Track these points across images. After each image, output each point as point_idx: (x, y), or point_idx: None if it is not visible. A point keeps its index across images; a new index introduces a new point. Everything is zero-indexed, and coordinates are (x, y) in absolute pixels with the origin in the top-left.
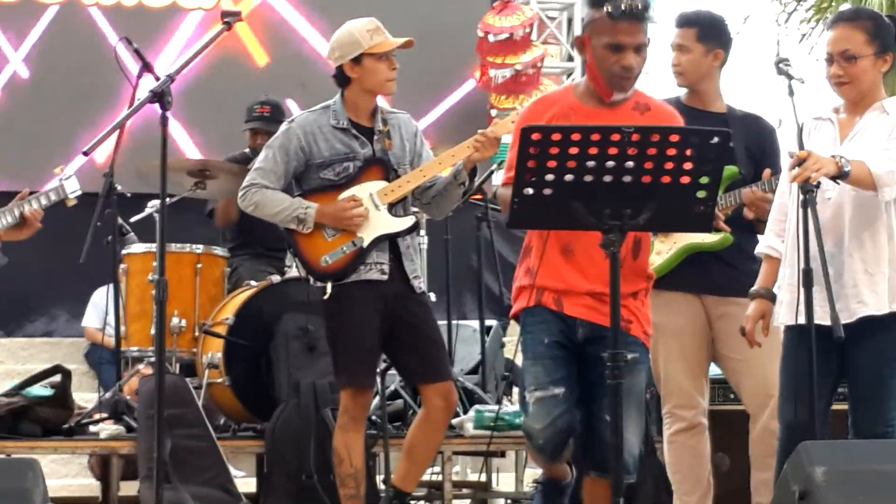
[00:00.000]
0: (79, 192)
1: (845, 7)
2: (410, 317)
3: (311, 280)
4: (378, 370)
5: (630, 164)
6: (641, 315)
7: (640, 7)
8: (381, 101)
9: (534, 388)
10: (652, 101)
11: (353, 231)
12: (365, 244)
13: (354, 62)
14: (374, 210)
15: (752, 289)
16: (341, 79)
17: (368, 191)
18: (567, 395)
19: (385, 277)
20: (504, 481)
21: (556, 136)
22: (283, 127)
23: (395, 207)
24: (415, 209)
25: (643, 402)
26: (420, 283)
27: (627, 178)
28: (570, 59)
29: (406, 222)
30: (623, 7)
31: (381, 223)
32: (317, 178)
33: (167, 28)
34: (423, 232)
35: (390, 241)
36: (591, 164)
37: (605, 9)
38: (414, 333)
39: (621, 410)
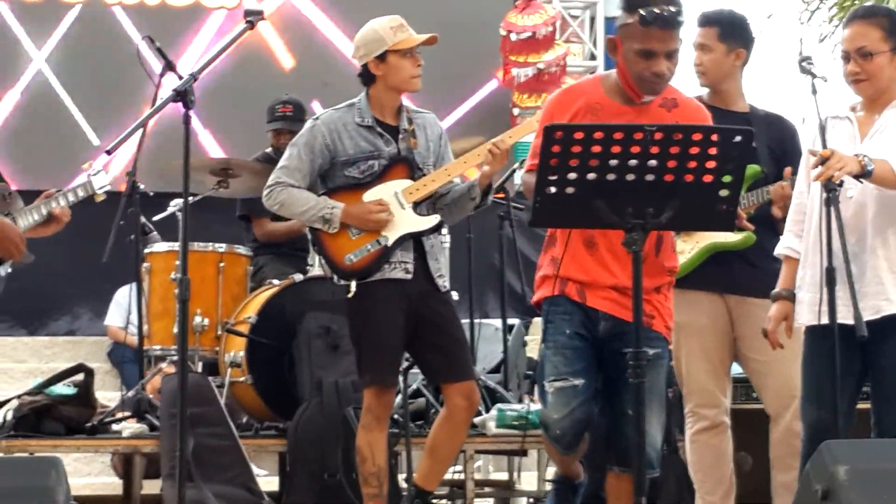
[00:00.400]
0: (108, 188)
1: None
2: (434, 315)
3: (335, 278)
4: (401, 369)
5: (653, 162)
6: (664, 309)
7: (672, 14)
8: (405, 101)
9: (553, 378)
10: (680, 97)
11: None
12: (389, 243)
13: (379, 59)
14: (398, 209)
15: (774, 290)
16: (366, 77)
17: (393, 189)
18: (586, 387)
19: (409, 276)
20: (526, 480)
21: (579, 135)
22: (308, 124)
23: (420, 206)
24: None
25: (664, 396)
26: (444, 282)
27: (650, 177)
28: (593, 57)
29: (431, 221)
30: (656, 14)
31: (405, 222)
32: (342, 175)
33: (190, 27)
34: (445, 231)
35: (415, 240)
36: (613, 162)
37: (637, 15)
38: (437, 332)
39: (644, 409)
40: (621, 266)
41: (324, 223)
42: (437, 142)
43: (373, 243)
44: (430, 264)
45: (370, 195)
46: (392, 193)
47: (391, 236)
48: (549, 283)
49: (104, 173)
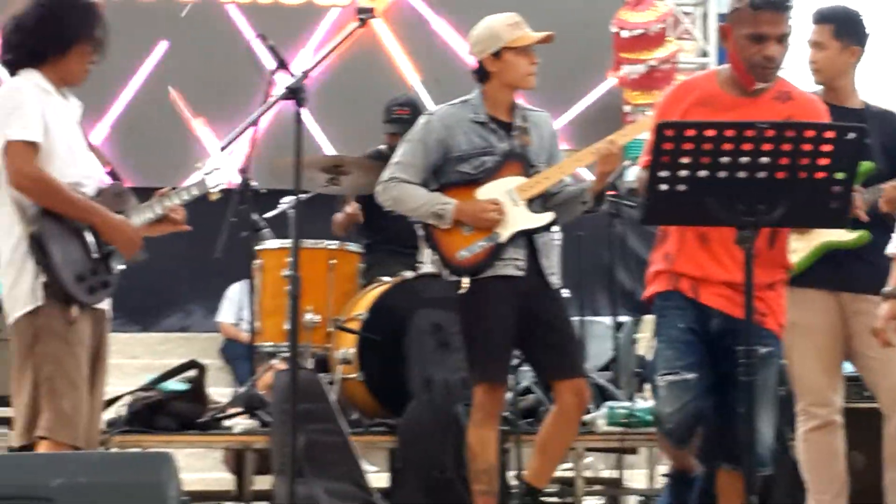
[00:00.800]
0: (222, 186)
1: None
2: (545, 313)
3: (447, 274)
4: (511, 366)
5: (765, 159)
6: (777, 307)
7: None
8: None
9: (665, 372)
10: (794, 90)
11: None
12: (502, 239)
13: (495, 56)
14: (512, 205)
15: (884, 289)
16: (481, 73)
17: (506, 186)
18: (698, 381)
19: (521, 273)
20: (636, 478)
21: (691, 132)
22: (423, 120)
23: (533, 203)
24: None
25: (776, 394)
26: (555, 280)
27: (762, 174)
28: (705, 54)
29: (544, 218)
30: None
31: (519, 219)
32: (455, 171)
33: (303, 26)
34: (556, 228)
35: (527, 237)
36: (725, 159)
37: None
38: (548, 329)
39: (755, 407)
40: (734, 261)
41: (436, 219)
42: (549, 140)
43: (486, 240)
44: (541, 261)
45: (484, 191)
46: (505, 190)
47: (504, 233)
48: (662, 279)
49: (218, 172)
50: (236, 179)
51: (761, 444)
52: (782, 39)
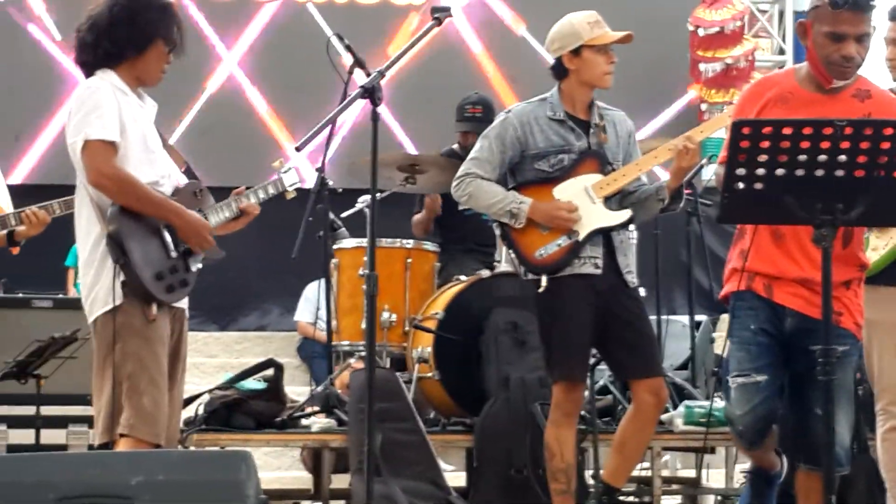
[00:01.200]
0: (298, 185)
1: None
2: (623, 311)
3: (524, 273)
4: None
5: (843, 157)
6: (853, 306)
7: None
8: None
9: (736, 374)
10: (874, 89)
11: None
12: (580, 238)
13: (573, 54)
14: (589, 203)
15: None
16: (559, 70)
17: (584, 184)
18: (770, 383)
19: (599, 272)
20: (714, 477)
21: (768, 130)
22: (500, 117)
23: (610, 201)
24: None
25: (853, 394)
26: (633, 278)
27: (840, 172)
28: (782, 52)
29: (622, 216)
30: None
31: (596, 216)
32: (532, 169)
33: (381, 26)
34: (632, 227)
35: (604, 235)
36: (802, 157)
37: None
38: (626, 328)
39: (833, 407)
40: (809, 259)
41: (510, 217)
42: (626, 139)
43: (563, 238)
44: (619, 260)
45: (560, 189)
46: (582, 188)
47: (582, 231)
48: (737, 277)
49: (294, 171)
50: (313, 178)
51: (839, 443)
52: (862, 39)
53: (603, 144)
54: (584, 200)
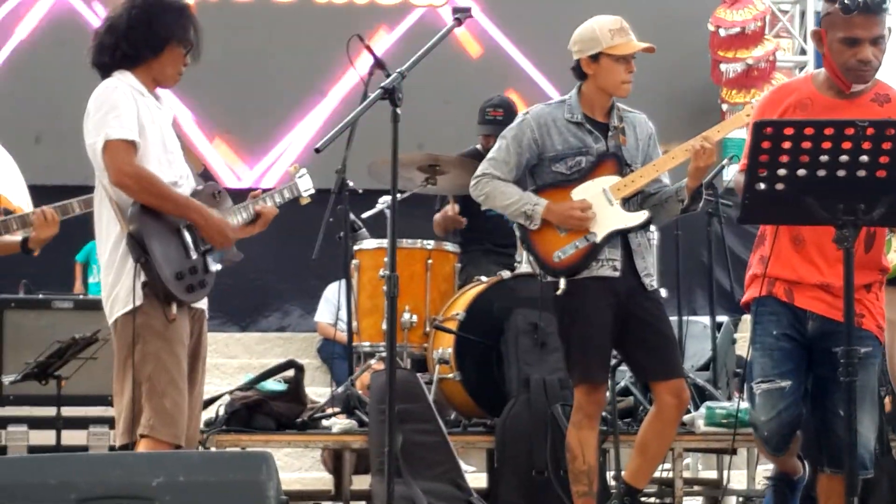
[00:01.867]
0: (312, 191)
1: None
2: (643, 313)
3: (543, 275)
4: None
5: (864, 158)
6: (875, 308)
7: (874, 0)
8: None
9: (760, 380)
10: (893, 92)
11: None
12: (598, 240)
13: (592, 59)
14: (607, 205)
15: None
16: (578, 72)
17: (602, 186)
18: (794, 388)
19: (617, 274)
20: (736, 479)
21: (789, 131)
22: (518, 118)
23: (628, 203)
24: None
25: (877, 395)
26: (651, 281)
27: (861, 173)
28: (803, 52)
29: (639, 217)
30: (859, 1)
31: (614, 218)
32: (550, 172)
33: (397, 25)
34: (653, 228)
35: (622, 238)
36: (824, 158)
37: (839, 3)
38: (646, 330)
39: (855, 409)
40: (828, 264)
41: (525, 219)
42: (646, 141)
43: (581, 240)
44: (636, 262)
45: (579, 192)
46: (600, 190)
47: (600, 233)
48: (758, 283)
49: (308, 177)
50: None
51: (862, 446)
52: (877, 41)
53: (622, 147)
54: (602, 202)
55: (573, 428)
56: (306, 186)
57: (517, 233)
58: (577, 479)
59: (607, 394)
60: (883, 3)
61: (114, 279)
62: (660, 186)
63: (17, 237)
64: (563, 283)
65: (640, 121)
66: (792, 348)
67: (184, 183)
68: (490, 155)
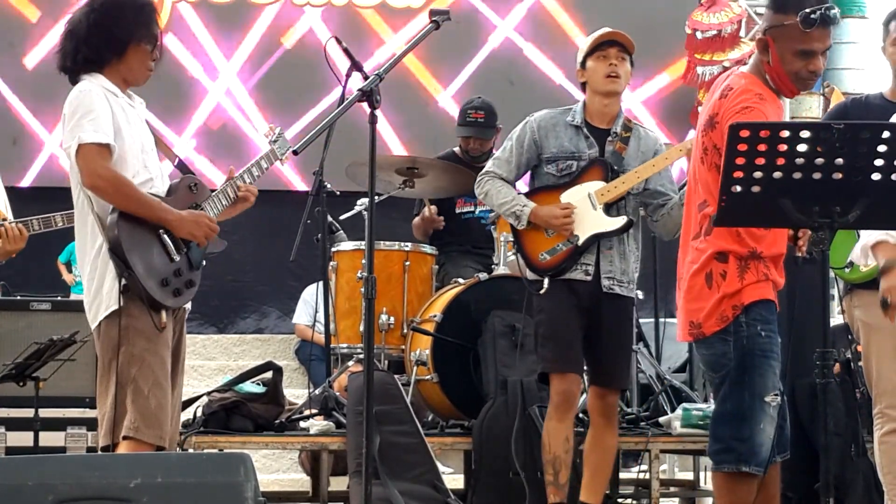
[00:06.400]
0: (290, 150)
1: None
2: (601, 317)
3: (528, 274)
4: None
5: (840, 160)
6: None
7: (835, 13)
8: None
9: (775, 393)
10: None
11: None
12: (580, 242)
13: (582, 67)
14: (590, 209)
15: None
16: (582, 85)
17: (588, 190)
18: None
19: (589, 278)
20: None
21: (765, 133)
22: (525, 120)
23: (611, 208)
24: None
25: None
26: (612, 285)
27: (837, 175)
28: None
29: (617, 222)
30: (819, 16)
31: (596, 222)
32: (544, 174)
33: (376, 28)
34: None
35: (597, 242)
36: (800, 160)
37: (797, 17)
38: (602, 333)
39: (825, 408)
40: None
41: (514, 219)
42: (650, 156)
43: (564, 242)
44: (601, 265)
45: (567, 195)
46: (586, 194)
47: (582, 235)
48: (752, 289)
49: (284, 138)
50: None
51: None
52: (825, 52)
53: (619, 154)
54: (587, 206)
55: (546, 419)
56: (283, 149)
57: (495, 234)
58: (545, 468)
59: (583, 390)
60: (838, 16)
61: (97, 283)
62: (668, 198)
63: None
64: (546, 282)
65: (651, 138)
66: None
67: (160, 181)
68: (495, 154)
